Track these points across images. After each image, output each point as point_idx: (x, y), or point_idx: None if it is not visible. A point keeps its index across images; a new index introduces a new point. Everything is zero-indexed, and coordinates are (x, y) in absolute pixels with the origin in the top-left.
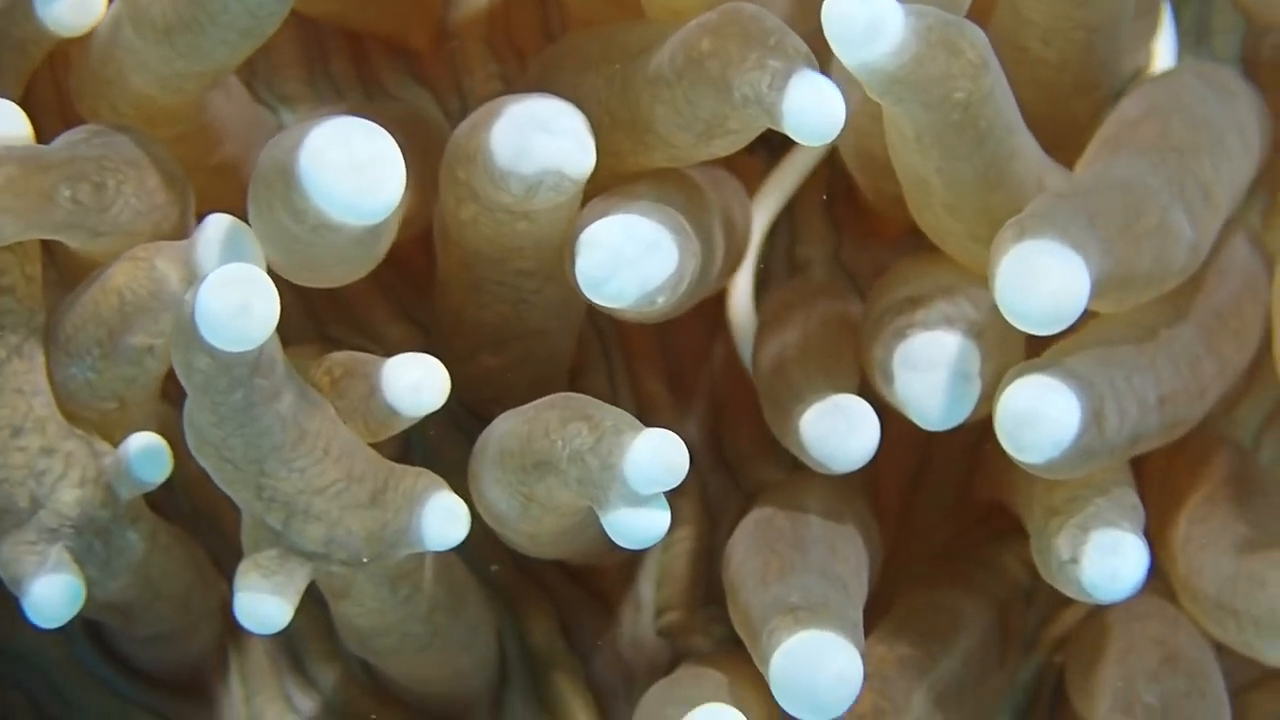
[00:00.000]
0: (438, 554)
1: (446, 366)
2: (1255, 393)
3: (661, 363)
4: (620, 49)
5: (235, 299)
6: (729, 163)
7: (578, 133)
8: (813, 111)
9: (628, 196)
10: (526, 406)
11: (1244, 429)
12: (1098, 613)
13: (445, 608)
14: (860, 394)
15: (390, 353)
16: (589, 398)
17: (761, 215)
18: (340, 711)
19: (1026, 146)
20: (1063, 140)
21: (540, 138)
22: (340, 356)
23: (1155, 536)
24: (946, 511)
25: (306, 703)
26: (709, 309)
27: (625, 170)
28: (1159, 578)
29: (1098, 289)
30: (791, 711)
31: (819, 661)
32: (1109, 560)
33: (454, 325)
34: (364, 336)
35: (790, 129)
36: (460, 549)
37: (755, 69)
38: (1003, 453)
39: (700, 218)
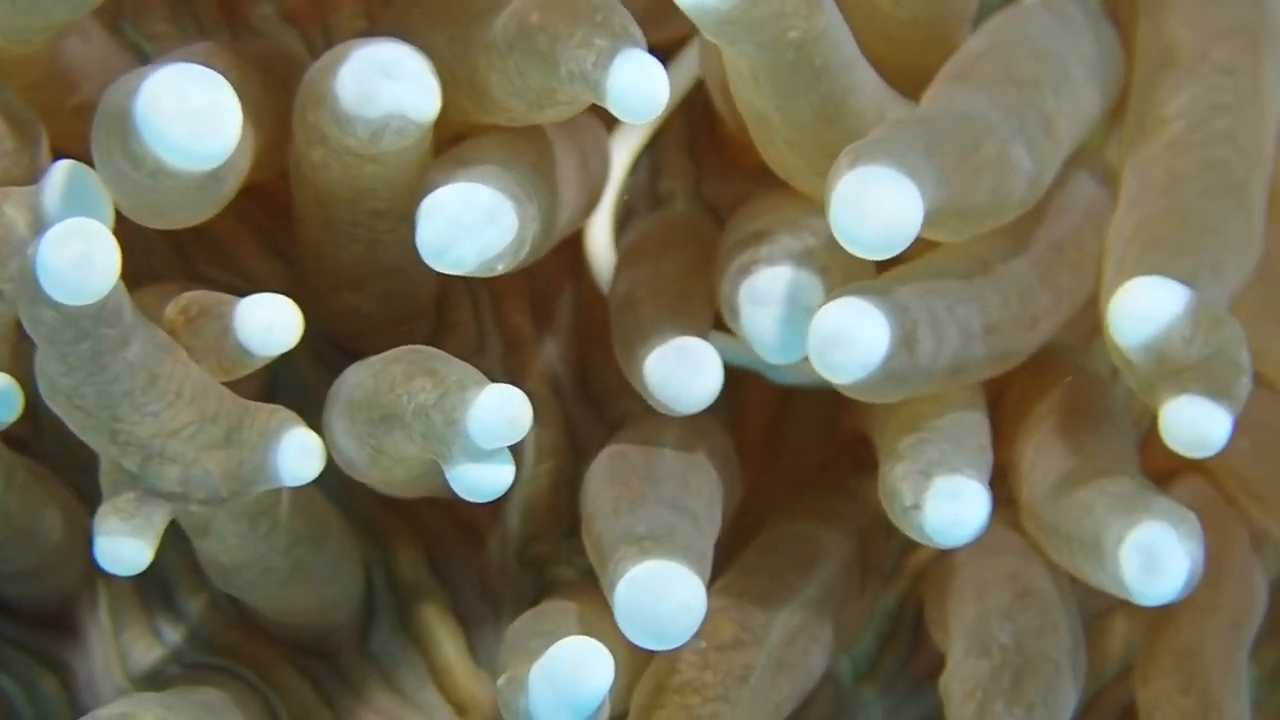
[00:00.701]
0: (297, 489)
1: (309, 303)
2: None
3: (527, 297)
4: (463, 8)
5: (75, 252)
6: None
7: (421, 77)
8: (635, 90)
9: (472, 158)
10: (375, 358)
11: (1102, 360)
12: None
13: (307, 541)
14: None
15: (258, 288)
16: (436, 350)
17: (623, 151)
18: (208, 644)
19: (865, 81)
20: (919, 92)
21: (384, 82)
22: (195, 295)
23: (1009, 464)
24: (812, 443)
25: (174, 636)
26: (574, 243)
27: (473, 125)
28: (1014, 508)
29: (932, 217)
30: (635, 640)
31: (662, 591)
32: (950, 506)
33: (313, 262)
34: (231, 273)
35: (613, 107)
36: (326, 482)
37: (581, 46)
38: None
39: (548, 170)
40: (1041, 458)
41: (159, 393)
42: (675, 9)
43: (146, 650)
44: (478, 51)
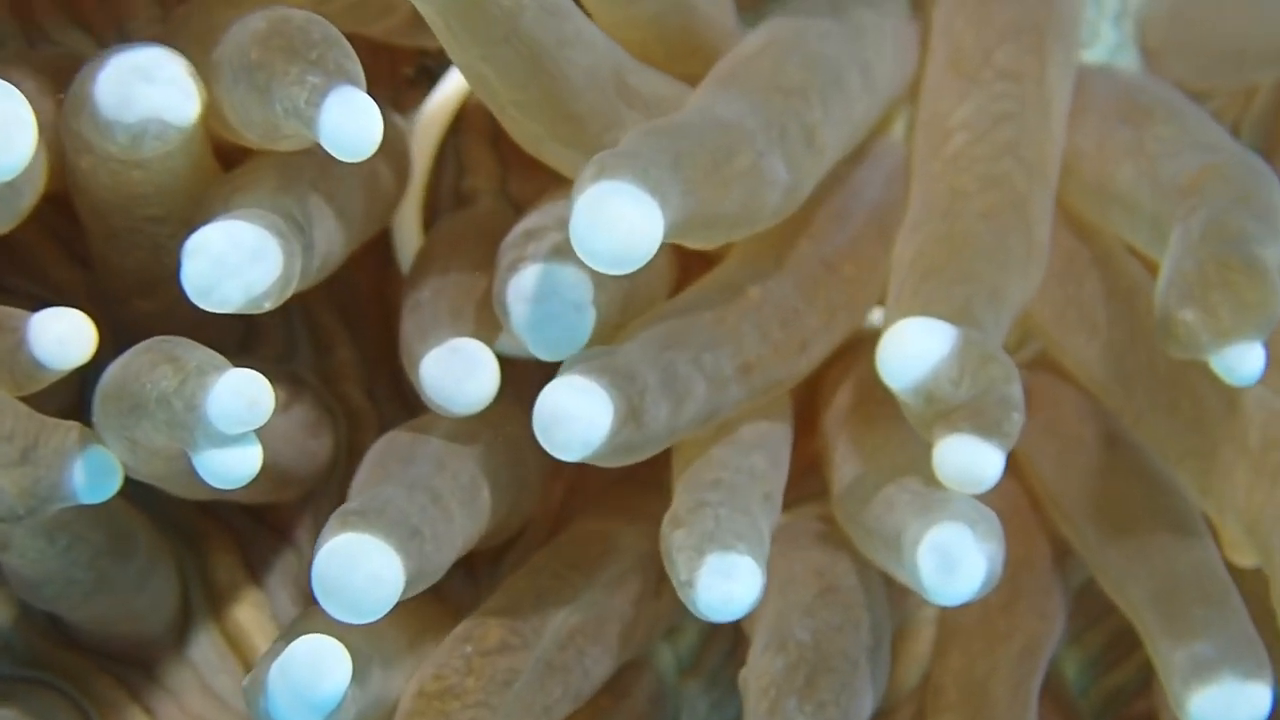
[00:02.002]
0: (98, 505)
1: (108, 310)
2: None
3: (337, 298)
4: (209, 30)
5: None
6: (394, 99)
7: (179, 81)
8: (346, 128)
9: (247, 182)
10: (129, 350)
11: None
12: None
13: (109, 553)
14: None
15: (63, 297)
16: (183, 339)
17: (422, 148)
18: (20, 656)
19: (588, 35)
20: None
21: (142, 86)
22: None
23: (822, 452)
24: None
25: None
26: (384, 241)
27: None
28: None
29: (677, 229)
30: (329, 611)
31: (353, 562)
32: (723, 586)
33: (104, 270)
34: (35, 282)
35: (326, 145)
36: (135, 487)
37: (295, 83)
38: None
39: (332, 183)
40: (851, 450)
41: None
42: None
43: None
44: (212, 80)
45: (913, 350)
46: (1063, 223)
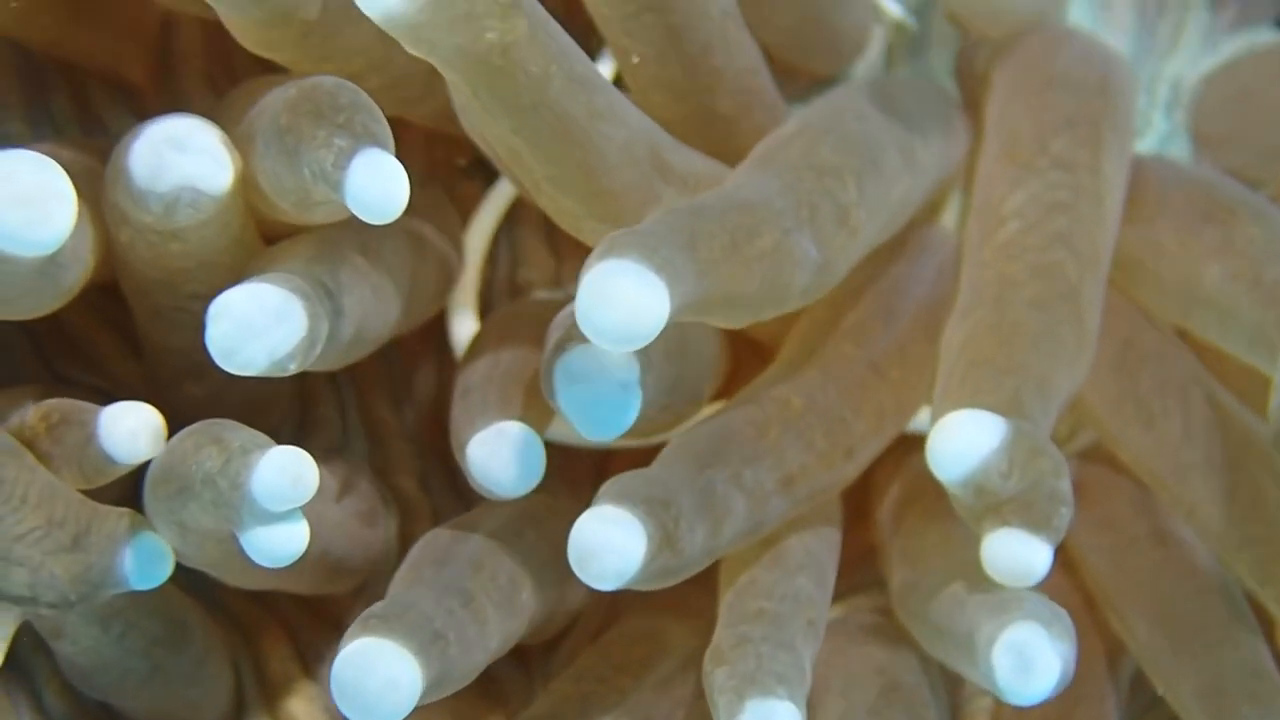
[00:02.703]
0: (153, 592)
1: (160, 396)
2: None
3: (392, 390)
4: (252, 106)
5: None
6: (449, 189)
7: (213, 150)
8: (372, 190)
9: (285, 253)
10: (177, 435)
11: None
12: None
13: (164, 642)
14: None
15: (119, 388)
16: (229, 421)
17: (477, 239)
18: None
19: (620, 109)
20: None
21: (174, 155)
22: (56, 403)
23: (879, 545)
24: None
25: None
26: (437, 334)
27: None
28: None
29: (692, 308)
30: (347, 715)
31: (369, 667)
32: None
33: (152, 353)
34: (92, 373)
35: (352, 206)
36: (189, 580)
37: (323, 146)
38: None
39: (370, 261)
40: (912, 545)
41: (4, 496)
42: None
43: None
44: (248, 150)
45: (963, 443)
46: (1119, 314)
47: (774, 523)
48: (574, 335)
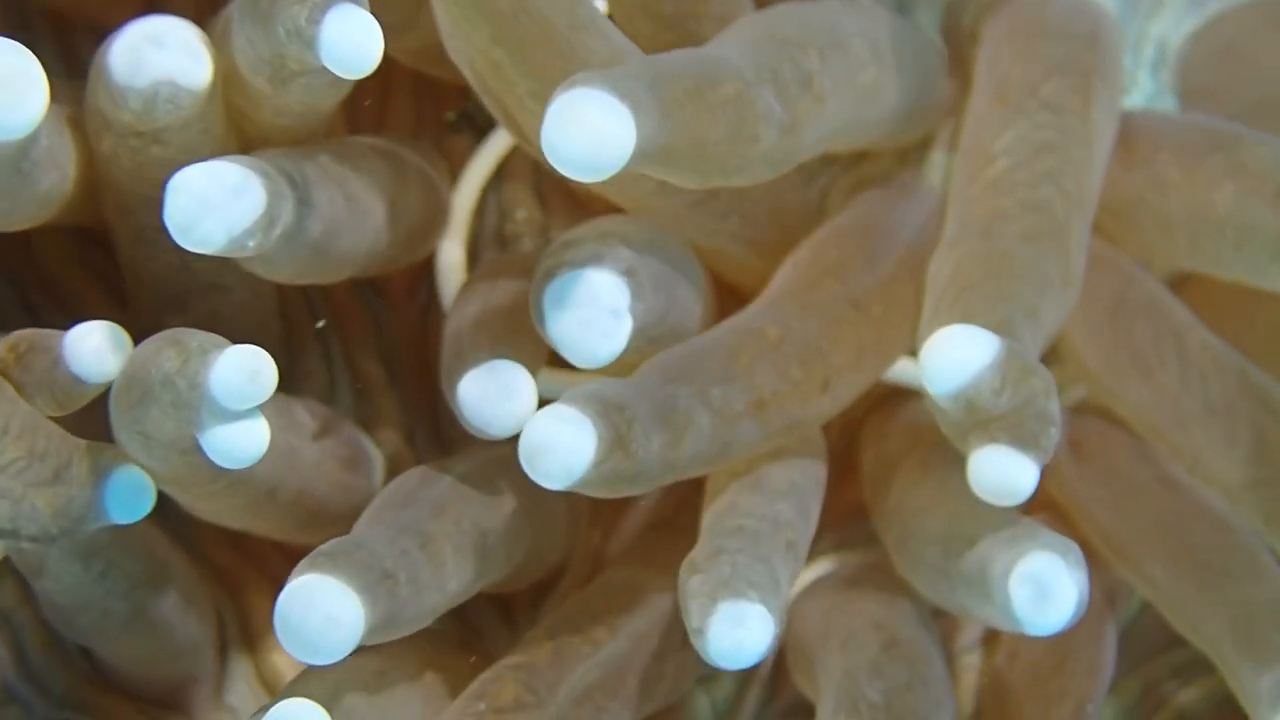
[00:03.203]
0: (135, 530)
1: (139, 336)
2: None
3: (378, 343)
4: None
5: None
6: (437, 144)
7: (189, 44)
8: (346, 43)
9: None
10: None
11: None
12: (812, 592)
13: (146, 583)
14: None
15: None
16: (189, 329)
17: (465, 193)
18: (61, 700)
19: (603, 25)
20: None
21: (152, 51)
22: (23, 332)
23: (870, 506)
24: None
25: (25, 691)
26: (425, 287)
27: (258, 130)
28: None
29: (658, 152)
30: (291, 654)
31: (311, 603)
32: (734, 633)
33: (135, 286)
34: (72, 319)
35: (326, 60)
36: (170, 529)
37: (295, 3)
38: None
39: (342, 168)
40: (910, 496)
41: None
42: None
43: None
44: (226, 34)
45: (957, 357)
46: (1110, 266)
47: (744, 448)
48: (563, 261)
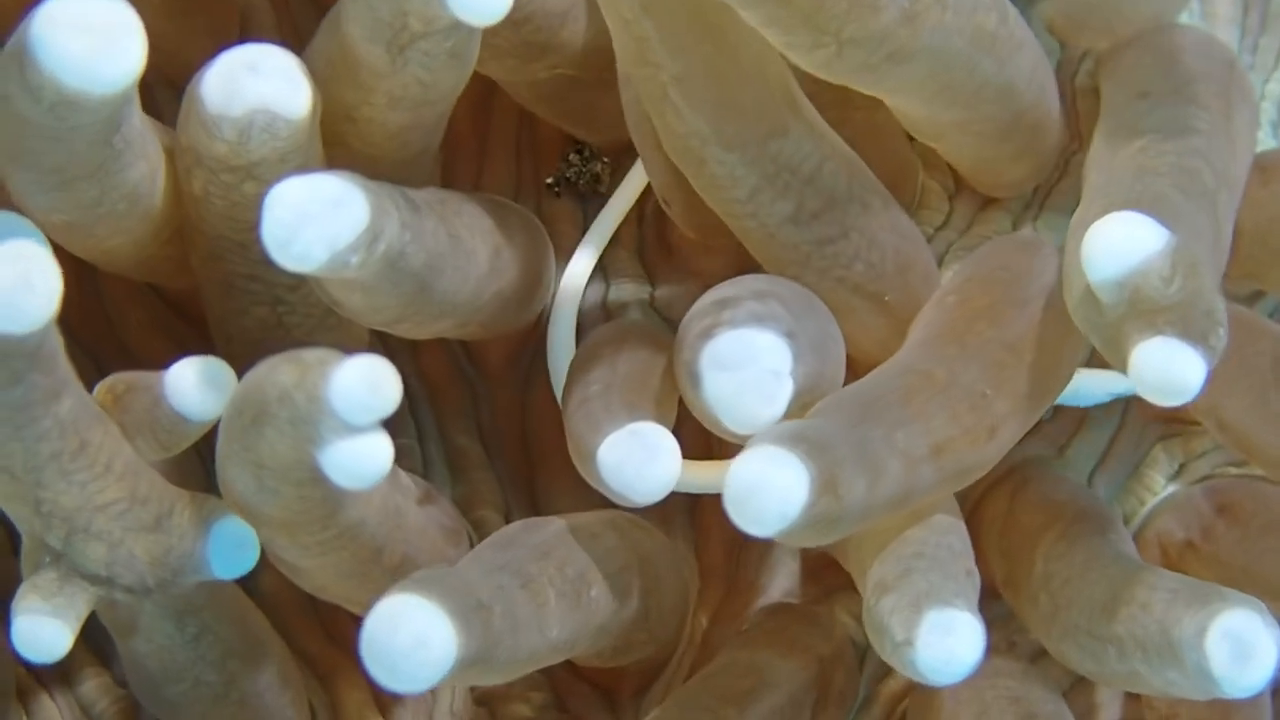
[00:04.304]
0: (233, 597)
1: None
2: (1085, 433)
3: (473, 417)
4: None
5: (13, 273)
6: (536, 209)
7: (287, 71)
8: None
9: None
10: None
11: (1076, 470)
12: None
13: (240, 655)
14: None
15: None
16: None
17: (580, 263)
18: None
19: (751, 29)
20: None
21: (248, 78)
22: (121, 375)
23: (1005, 582)
24: (774, 568)
25: None
26: (520, 359)
27: (365, 142)
28: (999, 624)
29: None
30: (375, 677)
31: (398, 623)
32: (944, 642)
33: (224, 346)
34: None
35: (453, 8)
36: (273, 621)
37: None
38: None
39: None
40: (1058, 566)
41: (88, 461)
42: None
43: None
44: (336, 11)
45: (1125, 240)
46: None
47: (922, 494)
48: (720, 321)
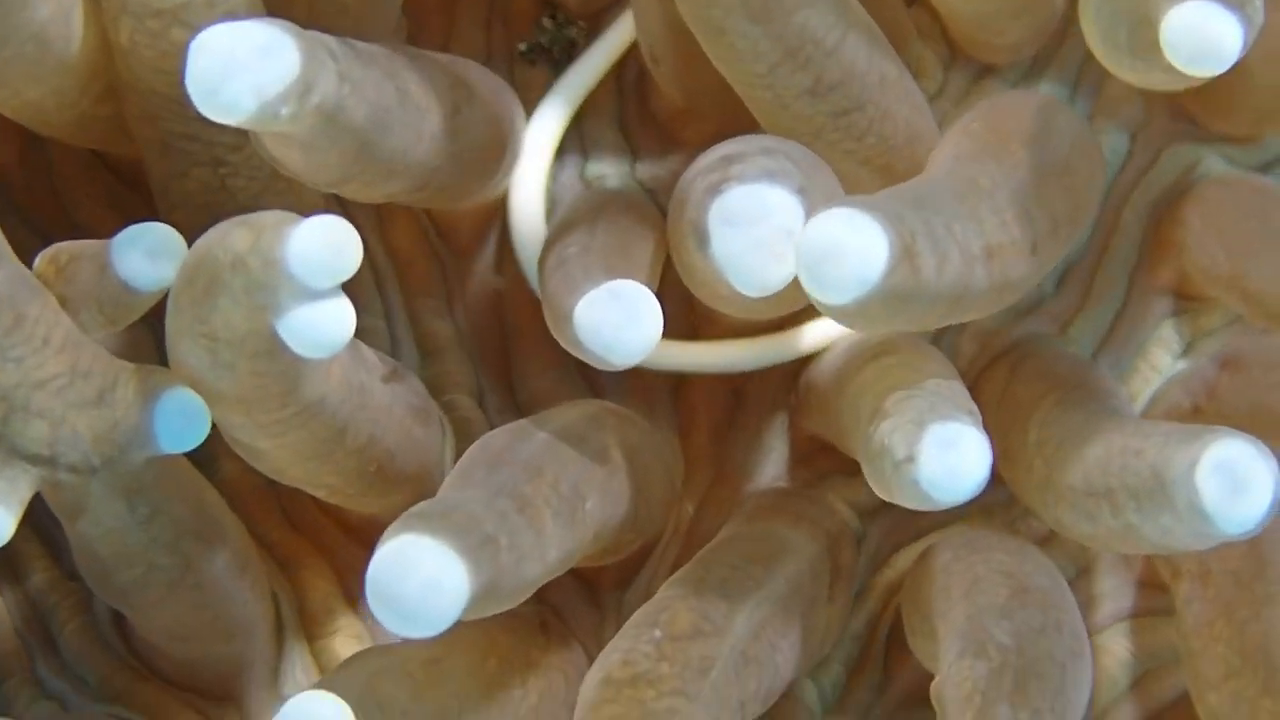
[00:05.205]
0: (185, 474)
1: None
2: (1089, 309)
3: (444, 298)
4: None
5: None
6: (508, 76)
7: None
8: None
9: None
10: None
11: (1080, 348)
12: (932, 549)
13: (195, 536)
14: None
15: None
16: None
17: (543, 130)
18: (97, 691)
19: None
20: None
21: None
22: (64, 244)
23: (1001, 456)
24: (764, 453)
25: (59, 684)
26: (490, 231)
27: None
28: (999, 510)
29: None
30: (384, 623)
31: (409, 566)
32: (948, 455)
33: (168, 213)
34: None
35: None
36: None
37: None
38: (823, 381)
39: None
40: (1052, 431)
41: (25, 335)
42: None
43: (28, 704)
44: None
45: None
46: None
47: (972, 303)
48: (729, 176)
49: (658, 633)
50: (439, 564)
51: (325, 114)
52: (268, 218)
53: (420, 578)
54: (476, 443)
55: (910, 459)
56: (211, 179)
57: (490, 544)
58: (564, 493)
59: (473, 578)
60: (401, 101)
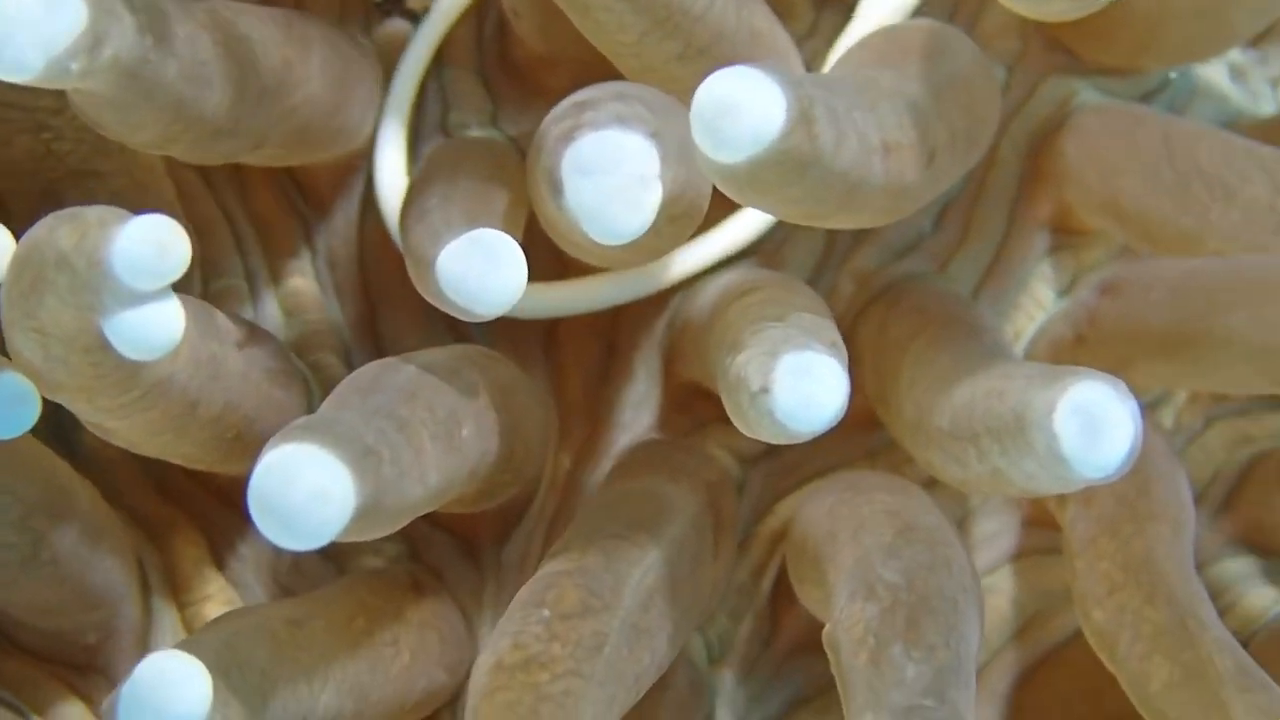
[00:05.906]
0: (29, 450)
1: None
2: (968, 245)
3: (307, 256)
4: None
5: None
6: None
7: None
8: None
9: None
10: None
11: (961, 285)
12: (815, 494)
13: (45, 512)
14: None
15: None
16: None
17: (403, 81)
18: None
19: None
20: None
21: None
22: None
23: (877, 399)
24: (639, 403)
25: None
26: (352, 186)
27: None
28: (883, 454)
29: None
30: (267, 534)
31: (293, 476)
32: (802, 384)
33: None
34: None
35: None
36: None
37: None
38: (695, 324)
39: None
40: (923, 371)
41: None
42: None
43: None
44: None
45: None
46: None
47: (864, 196)
48: (581, 123)
49: (546, 612)
50: (324, 473)
51: (125, 70)
52: (94, 214)
53: (306, 486)
54: (346, 378)
55: (765, 389)
56: (36, 145)
57: (373, 455)
58: (440, 417)
59: (359, 487)
60: (222, 56)
